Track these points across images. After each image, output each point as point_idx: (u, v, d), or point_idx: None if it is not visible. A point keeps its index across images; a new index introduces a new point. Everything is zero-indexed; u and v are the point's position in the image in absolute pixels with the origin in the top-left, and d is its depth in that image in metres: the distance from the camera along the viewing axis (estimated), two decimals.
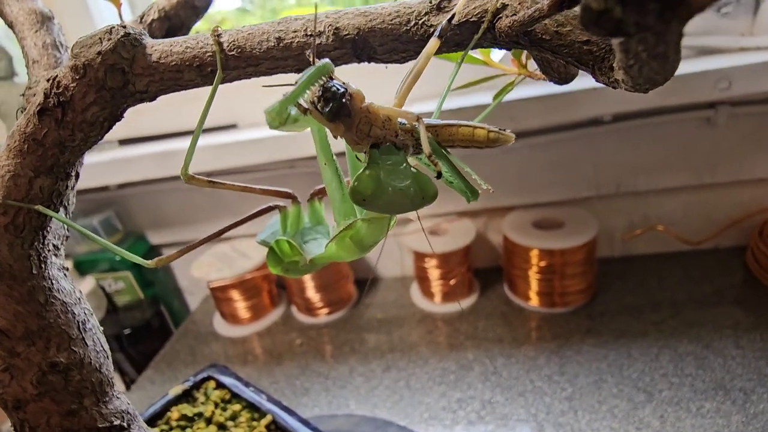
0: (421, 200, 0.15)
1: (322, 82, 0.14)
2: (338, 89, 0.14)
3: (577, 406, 0.43)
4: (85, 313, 0.22)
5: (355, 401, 0.48)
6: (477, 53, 0.25)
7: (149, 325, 0.61)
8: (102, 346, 0.22)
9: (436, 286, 0.58)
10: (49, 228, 0.21)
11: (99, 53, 0.17)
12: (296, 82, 0.13)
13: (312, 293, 0.59)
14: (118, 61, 0.17)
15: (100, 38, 0.17)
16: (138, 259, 0.19)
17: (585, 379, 0.46)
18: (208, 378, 0.38)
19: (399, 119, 0.15)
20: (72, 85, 0.17)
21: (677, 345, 0.48)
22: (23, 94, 0.24)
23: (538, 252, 0.53)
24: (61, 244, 0.24)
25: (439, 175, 0.15)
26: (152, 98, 0.19)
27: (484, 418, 0.43)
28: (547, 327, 0.53)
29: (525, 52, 0.23)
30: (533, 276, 0.54)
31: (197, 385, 0.38)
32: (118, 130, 0.62)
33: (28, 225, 0.19)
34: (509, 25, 0.15)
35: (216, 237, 0.21)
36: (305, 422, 0.33)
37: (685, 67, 0.48)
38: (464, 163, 0.17)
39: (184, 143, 0.57)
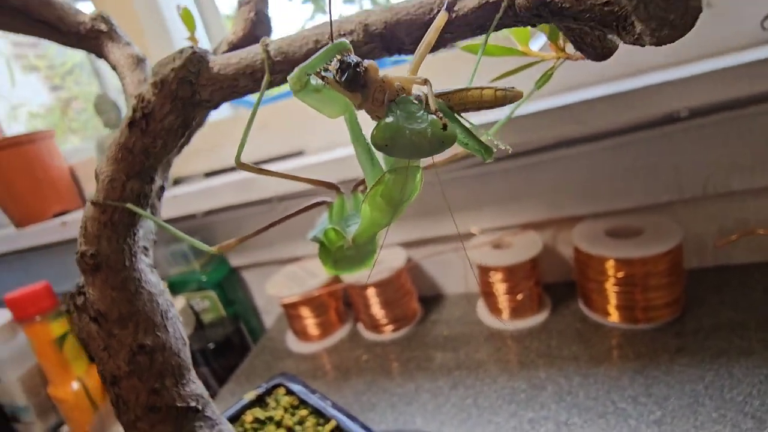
0: (440, 143, 0.15)
1: (339, 57, 0.15)
2: (353, 61, 0.15)
3: (669, 431, 0.38)
4: (167, 303, 0.25)
5: (421, 418, 0.46)
6: (517, 44, 0.25)
7: (230, 341, 0.65)
8: (180, 333, 0.24)
9: (503, 302, 0.55)
10: (138, 226, 0.24)
11: (172, 69, 0.20)
12: (316, 55, 0.15)
13: (377, 309, 0.59)
14: (187, 74, 0.20)
15: (173, 58, 0.21)
16: (203, 246, 0.22)
17: (677, 402, 0.40)
18: (279, 385, 0.40)
19: (414, 87, 0.16)
20: (152, 98, 0.21)
21: None
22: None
23: (614, 262, 0.49)
24: (150, 247, 0.27)
25: (445, 127, 0.15)
26: (215, 106, 0.22)
27: None
28: (629, 345, 0.48)
29: (562, 36, 0.22)
30: (611, 289, 0.50)
31: (269, 392, 0.39)
32: (204, 164, 0.68)
33: (122, 222, 0.23)
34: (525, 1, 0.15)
35: (269, 228, 0.23)
36: (367, 428, 0.33)
37: None
38: (485, 130, 0.18)
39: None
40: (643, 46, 0.15)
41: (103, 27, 0.26)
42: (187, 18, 0.25)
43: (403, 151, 0.15)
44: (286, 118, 0.64)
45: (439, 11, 0.17)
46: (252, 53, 0.20)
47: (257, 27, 0.28)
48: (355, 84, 0.15)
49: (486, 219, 0.61)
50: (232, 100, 0.22)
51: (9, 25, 0.25)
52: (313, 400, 0.36)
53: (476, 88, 0.17)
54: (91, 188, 0.77)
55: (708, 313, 0.49)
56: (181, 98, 0.20)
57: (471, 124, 0.17)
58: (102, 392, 0.64)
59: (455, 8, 0.17)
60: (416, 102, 0.16)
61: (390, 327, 0.60)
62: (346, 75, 0.15)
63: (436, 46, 0.19)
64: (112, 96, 0.70)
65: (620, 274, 0.48)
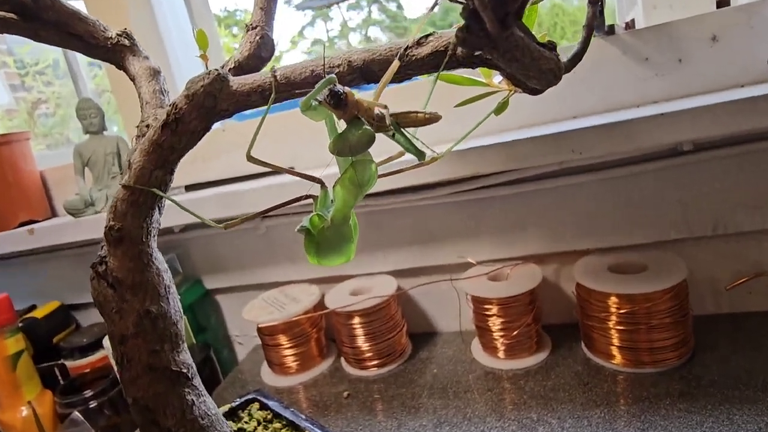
0: (368, 142, 0.27)
1: (329, 87, 0.26)
2: (338, 90, 0.26)
3: None
4: (169, 279, 0.33)
5: None
6: (480, 76, 0.36)
7: (199, 373, 0.70)
8: (178, 307, 0.32)
9: (499, 338, 0.61)
10: (155, 209, 0.33)
11: (202, 86, 0.30)
12: (315, 87, 0.27)
13: (362, 341, 0.66)
14: (213, 90, 0.30)
15: (203, 77, 0.30)
16: (209, 221, 0.31)
17: None
18: (254, 400, 0.47)
19: (376, 109, 0.28)
20: (184, 107, 0.30)
21: None
22: (138, 126, 0.37)
23: (617, 298, 0.55)
24: (157, 231, 0.35)
25: (393, 135, 0.27)
26: (230, 115, 0.32)
27: None
28: (630, 388, 0.54)
29: None
30: (613, 327, 0.56)
31: (242, 406, 0.46)
32: (185, 177, 0.77)
33: (145, 204, 0.31)
34: (462, 52, 0.26)
35: (264, 214, 0.32)
36: None
37: None
38: (418, 139, 0.29)
39: (244, 186, 0.70)
40: (535, 94, 0.27)
41: (126, 42, 0.37)
42: (201, 39, 0.35)
43: (350, 151, 0.27)
44: (279, 136, 0.74)
45: (403, 54, 0.28)
46: (263, 76, 0.31)
47: (262, 48, 0.37)
48: (339, 105, 0.26)
49: (484, 249, 0.68)
50: (243, 111, 0.32)
51: (48, 38, 0.34)
52: (288, 413, 0.43)
53: (413, 112, 0.29)
54: (62, 196, 0.86)
55: (717, 360, 0.55)
56: (206, 108, 0.30)
57: (413, 136, 0.29)
58: (53, 419, 0.70)
59: (414, 53, 0.28)
60: (359, 122, 0.27)
61: (375, 362, 0.66)
62: (333, 100, 0.26)
63: (402, 79, 0.29)
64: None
65: (623, 311, 0.55)
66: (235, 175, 0.75)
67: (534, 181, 0.63)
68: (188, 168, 0.77)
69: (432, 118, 0.29)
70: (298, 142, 0.73)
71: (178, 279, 0.79)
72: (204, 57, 0.36)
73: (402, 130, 0.29)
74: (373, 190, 0.59)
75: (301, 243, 0.35)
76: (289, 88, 0.30)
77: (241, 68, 0.38)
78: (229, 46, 0.93)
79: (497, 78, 0.36)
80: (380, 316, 0.66)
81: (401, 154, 0.33)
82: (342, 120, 0.28)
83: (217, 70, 0.30)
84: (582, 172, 0.62)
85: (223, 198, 0.68)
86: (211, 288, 0.82)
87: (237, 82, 0.31)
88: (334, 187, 0.30)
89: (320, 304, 0.70)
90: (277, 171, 0.32)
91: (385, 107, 0.27)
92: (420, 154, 0.29)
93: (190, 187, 0.78)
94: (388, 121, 0.26)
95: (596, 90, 0.61)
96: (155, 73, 0.37)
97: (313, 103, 0.27)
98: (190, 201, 0.71)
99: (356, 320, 0.66)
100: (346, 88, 0.27)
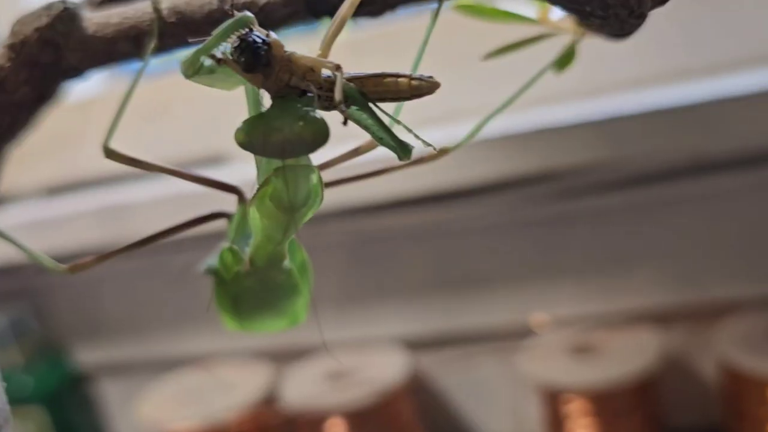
0: (313, 140, 0.21)
1: (240, 33, 0.21)
2: (254, 39, 0.21)
3: None
4: None
5: None
6: (530, 10, 0.34)
7: None
8: (4, 403, 0.28)
9: None
10: None
11: (37, 29, 0.28)
12: (213, 34, 0.21)
13: None
14: (53, 35, 0.28)
15: (39, 15, 0.28)
16: (48, 261, 0.26)
17: None
18: None
19: (324, 71, 0.22)
20: (7, 65, 0.28)
21: None
22: None
23: None
24: None
25: (345, 122, 0.21)
26: (83, 75, 0.30)
27: None
28: None
29: None
30: None
31: None
32: (48, 173, 0.68)
33: None
34: None
35: (143, 245, 0.26)
36: None
37: None
38: (399, 120, 0.24)
39: (142, 193, 0.63)
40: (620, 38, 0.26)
41: None
42: None
43: (274, 150, 0.22)
44: (198, 103, 0.66)
45: None
46: (140, 12, 0.28)
47: None
48: (254, 65, 0.21)
49: (562, 299, 0.61)
50: (106, 68, 0.29)
51: None
52: None
53: (392, 75, 0.23)
54: None
55: None
56: (43, 65, 0.28)
57: (392, 117, 0.24)
58: None
59: None
60: (300, 97, 0.22)
61: None
62: (245, 57, 0.21)
63: (372, 14, 0.26)
64: None
65: None
66: (72, 180, 0.71)
67: (646, 186, 0.55)
68: (57, 158, 0.72)
69: (423, 87, 0.23)
70: (233, 109, 0.65)
71: (33, 346, 0.73)
72: None
73: (371, 106, 0.24)
74: (361, 200, 0.58)
75: None
76: (181, 30, 0.27)
77: None
78: None
79: (555, 15, 0.34)
80: (379, 417, 0.58)
81: (373, 146, 0.28)
82: (264, 89, 0.23)
83: (63, 1, 0.28)
84: (731, 169, 0.53)
85: (110, 213, 0.63)
86: (87, 365, 0.76)
87: (94, 21, 0.29)
88: (248, 206, 0.28)
89: (273, 396, 0.63)
90: (156, 172, 0.27)
91: (338, 68, 0.21)
92: (403, 150, 0.23)
93: (56, 190, 0.73)
94: (338, 96, 0.20)
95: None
96: None
97: (206, 63, 0.22)
98: (53, 218, 0.66)
99: (338, 424, 0.58)
100: (271, 35, 0.21)
